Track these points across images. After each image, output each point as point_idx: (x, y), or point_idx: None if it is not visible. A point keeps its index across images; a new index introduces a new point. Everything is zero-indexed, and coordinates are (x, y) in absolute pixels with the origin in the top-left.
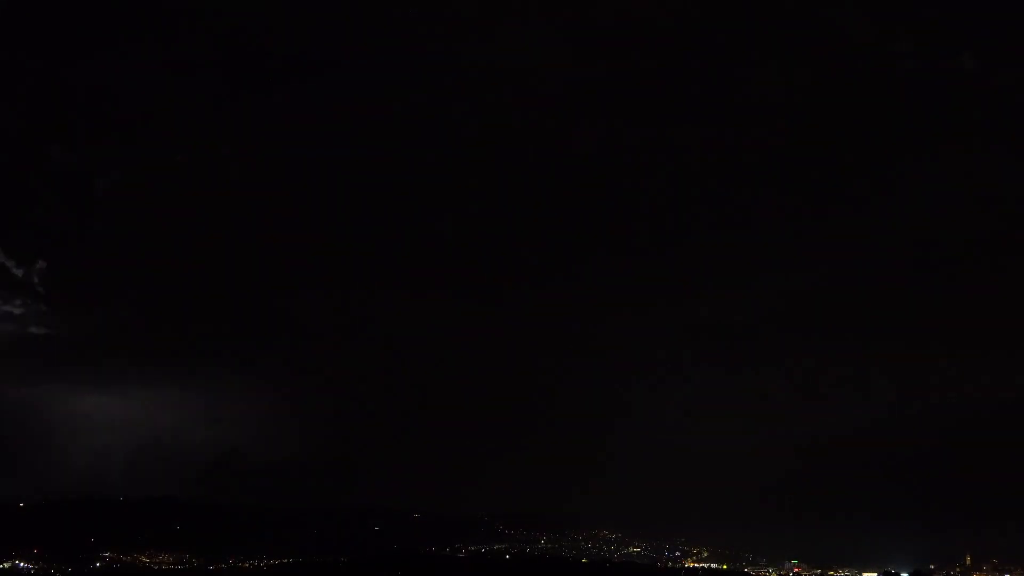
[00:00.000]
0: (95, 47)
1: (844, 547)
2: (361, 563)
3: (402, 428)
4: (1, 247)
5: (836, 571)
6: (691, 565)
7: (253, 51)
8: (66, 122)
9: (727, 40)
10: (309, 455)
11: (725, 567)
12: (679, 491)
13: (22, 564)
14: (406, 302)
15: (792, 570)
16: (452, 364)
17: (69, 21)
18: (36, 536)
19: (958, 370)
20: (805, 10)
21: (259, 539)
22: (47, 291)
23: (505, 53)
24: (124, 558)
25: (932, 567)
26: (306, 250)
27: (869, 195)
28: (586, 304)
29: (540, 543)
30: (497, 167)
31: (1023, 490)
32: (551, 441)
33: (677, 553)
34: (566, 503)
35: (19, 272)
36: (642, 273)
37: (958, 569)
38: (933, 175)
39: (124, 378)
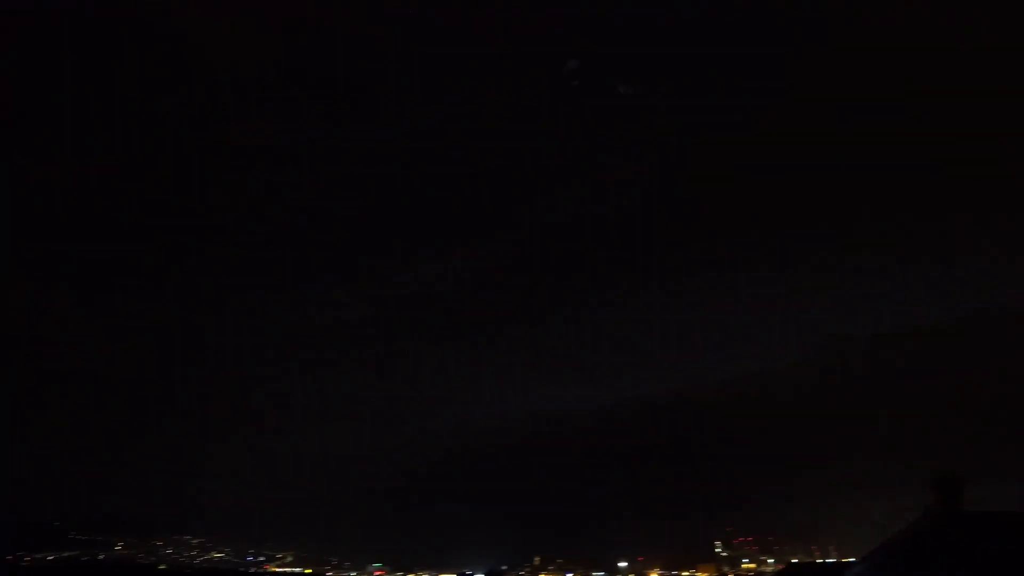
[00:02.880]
0: None
1: (424, 549)
2: None
3: None
4: None
5: (417, 573)
6: (275, 570)
7: None
8: None
9: None
10: None
11: (309, 571)
12: (267, 495)
13: None
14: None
15: (374, 573)
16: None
17: None
18: None
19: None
20: None
21: None
22: None
23: None
24: None
25: (504, 568)
26: None
27: None
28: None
29: (116, 549)
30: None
31: (587, 497)
32: (132, 441)
33: (261, 558)
34: (147, 507)
35: None
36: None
37: (527, 569)
38: None
39: None
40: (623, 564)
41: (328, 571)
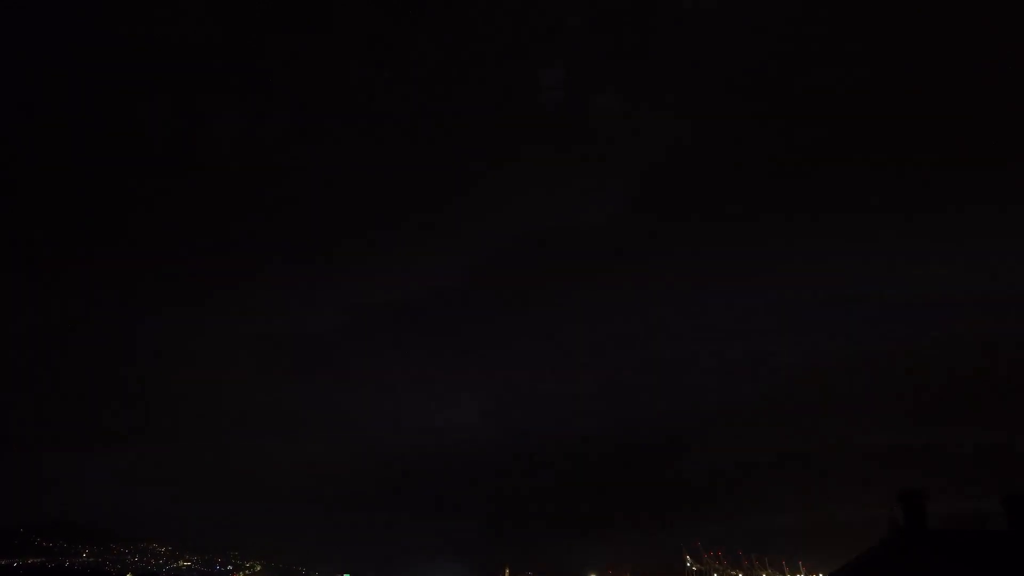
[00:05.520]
0: None
1: (394, 560)
2: None
3: None
4: None
5: None
6: None
7: None
8: None
9: None
10: None
11: None
12: (236, 503)
13: None
14: None
15: None
16: None
17: None
18: None
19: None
20: None
21: None
22: None
23: None
24: None
25: None
26: None
27: None
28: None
29: (82, 556)
30: None
31: (551, 510)
32: (97, 444)
33: (229, 567)
34: (113, 512)
35: None
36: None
37: None
38: None
39: None
40: None
41: None
